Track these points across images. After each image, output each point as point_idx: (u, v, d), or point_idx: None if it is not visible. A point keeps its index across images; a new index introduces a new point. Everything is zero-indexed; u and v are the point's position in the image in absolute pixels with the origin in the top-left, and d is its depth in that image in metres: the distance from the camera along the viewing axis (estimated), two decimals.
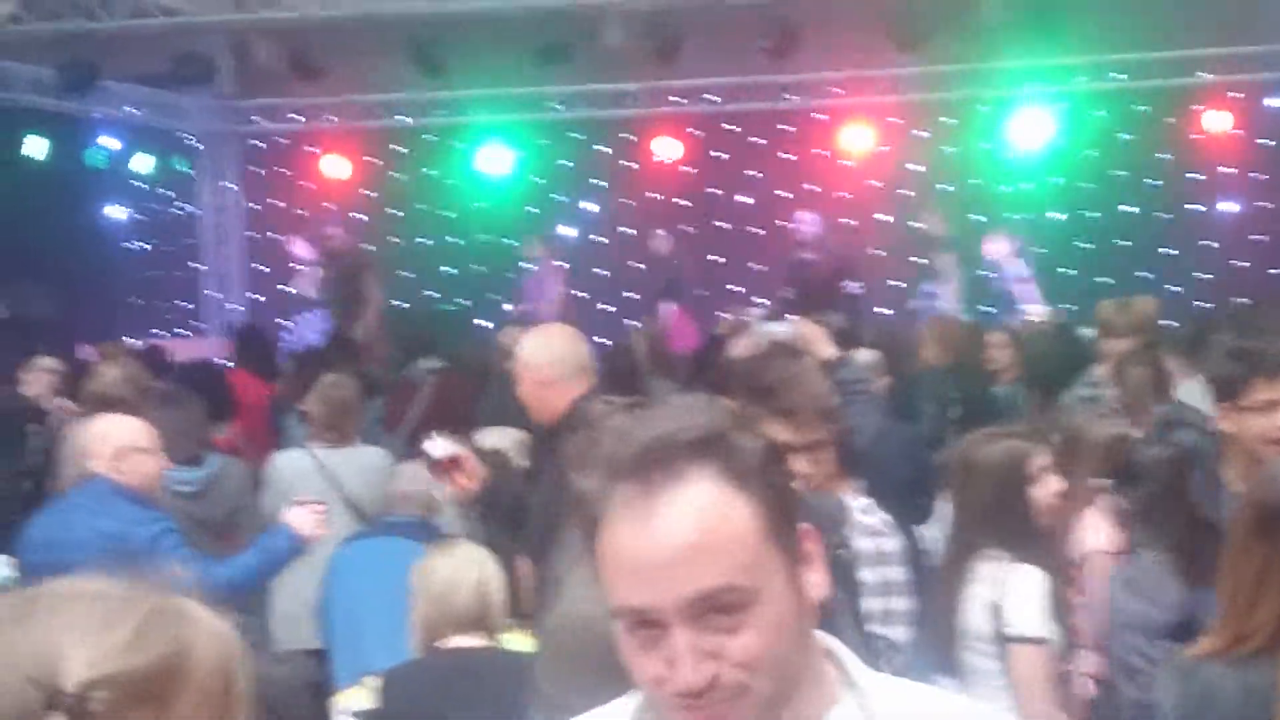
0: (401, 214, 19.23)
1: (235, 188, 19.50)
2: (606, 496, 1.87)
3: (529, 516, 5.87)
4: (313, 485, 8.25)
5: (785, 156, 18.60)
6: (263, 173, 19.72)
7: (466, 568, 5.04)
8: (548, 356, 5.93)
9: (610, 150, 18.99)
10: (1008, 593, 4.45)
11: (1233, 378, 4.86)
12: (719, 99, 18.10)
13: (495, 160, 18.70)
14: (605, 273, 18.60)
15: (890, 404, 8.25)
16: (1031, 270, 15.72)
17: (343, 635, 7.06)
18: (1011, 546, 4.56)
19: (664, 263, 17.22)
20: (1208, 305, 16.28)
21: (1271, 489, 3.56)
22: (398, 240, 19.16)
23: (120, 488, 6.16)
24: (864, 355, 8.34)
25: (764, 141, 18.62)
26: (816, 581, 1.94)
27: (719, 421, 1.91)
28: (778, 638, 1.85)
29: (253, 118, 19.13)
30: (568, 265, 17.69)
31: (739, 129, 18.57)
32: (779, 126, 18.45)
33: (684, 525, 1.83)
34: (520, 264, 17.75)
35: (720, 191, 18.85)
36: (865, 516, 4.96)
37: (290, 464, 8.46)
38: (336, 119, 18.73)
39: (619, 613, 1.87)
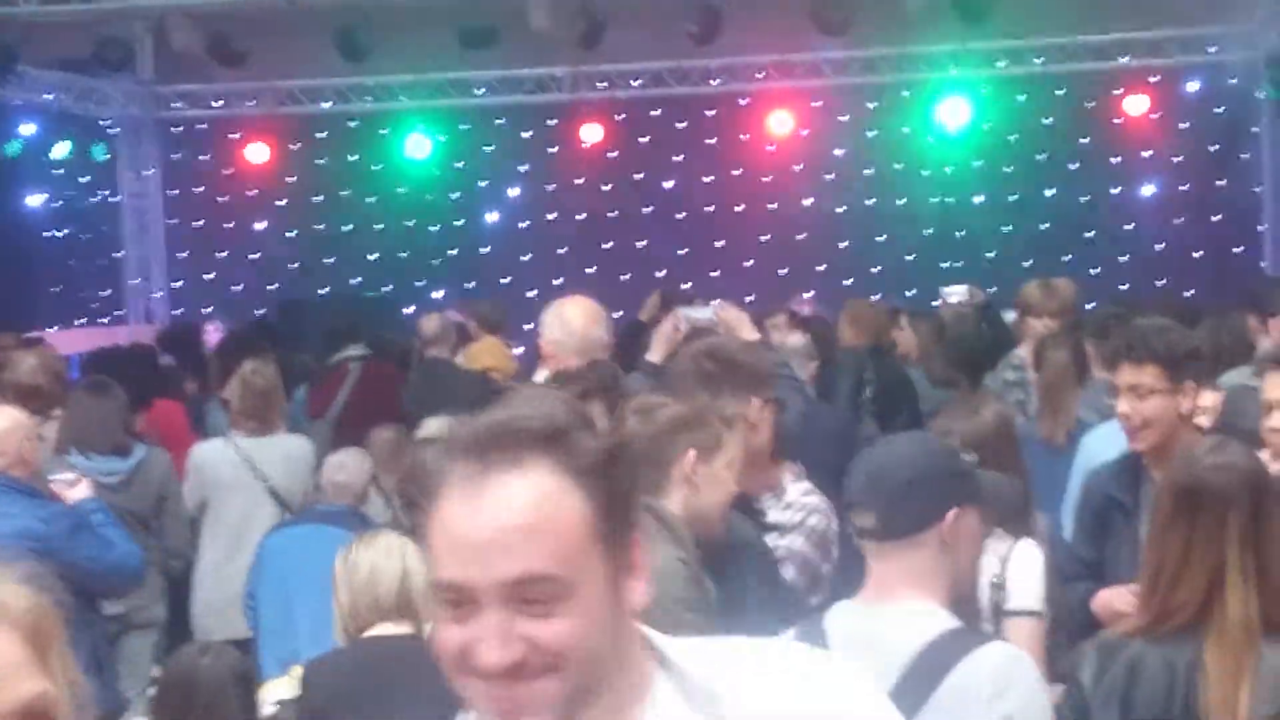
0: (324, 200, 19.10)
1: (155, 174, 19.28)
2: (443, 472, 1.90)
3: None
4: (235, 475, 8.22)
5: (710, 141, 18.61)
6: (184, 159, 19.52)
7: (389, 557, 5.01)
8: (551, 330, 5.90)
9: (535, 135, 18.94)
10: (1009, 569, 4.45)
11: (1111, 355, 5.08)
12: (643, 83, 18.08)
13: (419, 146, 18.61)
14: (529, 257, 18.56)
15: (820, 388, 8.28)
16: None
17: (271, 625, 7.03)
18: (1010, 521, 4.53)
19: None
20: (1127, 288, 16.47)
21: (1190, 472, 3.61)
22: (321, 227, 19.06)
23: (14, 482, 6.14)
24: (793, 340, 8.35)
25: (689, 125, 18.62)
26: (637, 589, 1.94)
27: (565, 416, 1.93)
28: (588, 633, 1.86)
29: (173, 104, 18.93)
30: None
31: (663, 113, 18.56)
32: (703, 111, 18.46)
33: (510, 509, 1.86)
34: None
35: (644, 176, 18.84)
36: (806, 498, 4.98)
37: (212, 453, 8.41)
38: (258, 105, 18.56)
39: (436, 586, 1.90)
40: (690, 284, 16.57)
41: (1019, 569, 4.46)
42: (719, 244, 17.70)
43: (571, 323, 5.91)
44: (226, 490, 8.23)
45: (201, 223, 19.46)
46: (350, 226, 18.91)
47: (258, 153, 19.06)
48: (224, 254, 19.32)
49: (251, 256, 19.27)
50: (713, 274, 17.18)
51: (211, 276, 19.24)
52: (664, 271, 17.50)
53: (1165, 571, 3.55)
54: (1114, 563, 5.07)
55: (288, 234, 19.08)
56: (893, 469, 3.48)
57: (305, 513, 7.68)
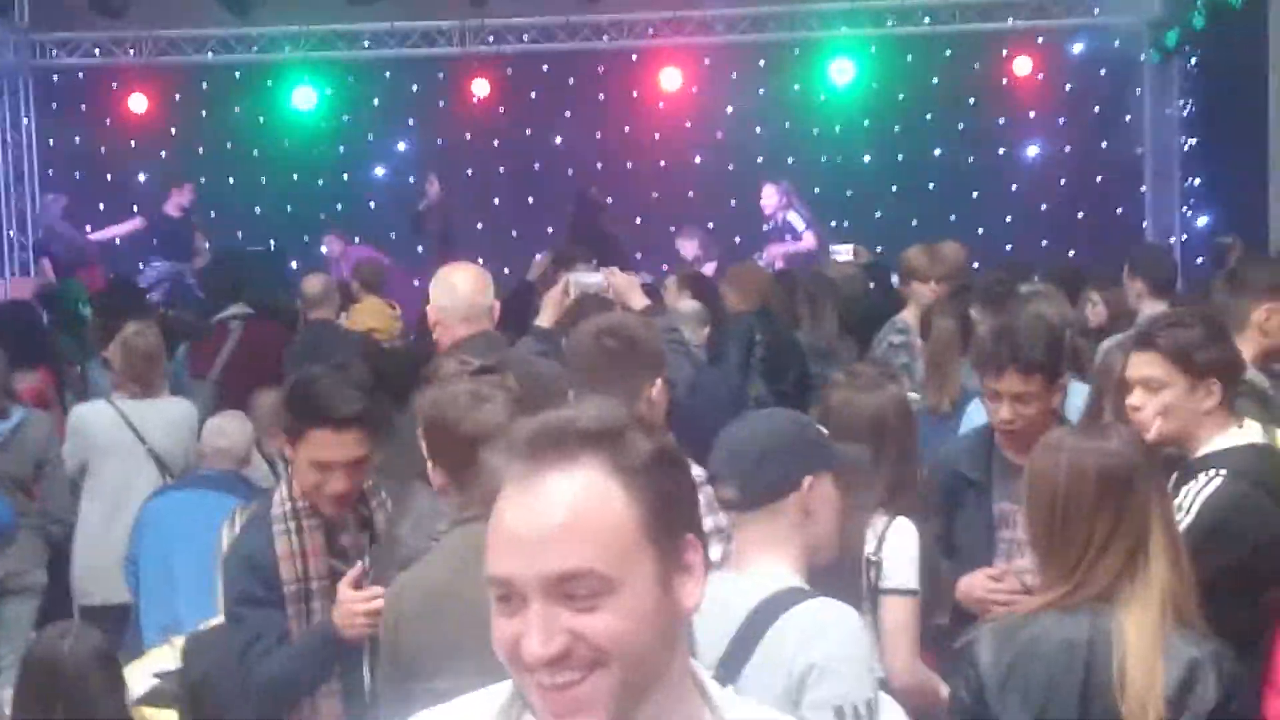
0: (207, 153, 18.81)
1: (31, 124, 18.89)
2: (500, 471, 1.96)
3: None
4: (115, 437, 8.09)
5: (600, 97, 18.54)
6: (61, 109, 19.16)
7: None
8: (437, 296, 5.85)
9: (423, 90, 18.77)
10: (885, 546, 4.46)
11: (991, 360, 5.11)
12: (533, 38, 17.98)
13: (305, 98, 18.40)
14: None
15: (711, 352, 8.26)
16: (808, 215, 15.90)
17: (151, 590, 6.95)
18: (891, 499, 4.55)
19: (434, 210, 16.97)
20: (1012, 248, 16.65)
21: (1113, 460, 3.64)
22: (205, 180, 18.78)
23: None
24: (685, 305, 8.31)
25: (579, 81, 18.54)
26: (691, 592, 1.99)
27: (617, 417, 1.99)
28: (635, 628, 1.90)
29: (51, 51, 18.55)
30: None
31: (553, 68, 18.47)
32: (594, 67, 18.39)
33: (558, 505, 1.91)
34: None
35: (533, 132, 18.74)
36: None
37: (93, 416, 8.26)
38: (138, 54, 18.23)
39: (489, 580, 1.94)
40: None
41: (894, 546, 4.47)
42: (608, 201, 17.62)
43: (458, 289, 5.85)
44: (106, 453, 8.10)
45: (80, 174, 19.12)
46: (234, 179, 18.63)
47: (138, 103, 18.75)
48: (103, 206, 18.98)
49: (133, 209, 18.93)
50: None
51: (91, 230, 18.90)
52: (553, 228, 17.42)
53: (1087, 556, 3.59)
54: (967, 539, 5.12)
55: (169, 186, 18.75)
56: (748, 442, 3.68)
57: (186, 477, 7.58)
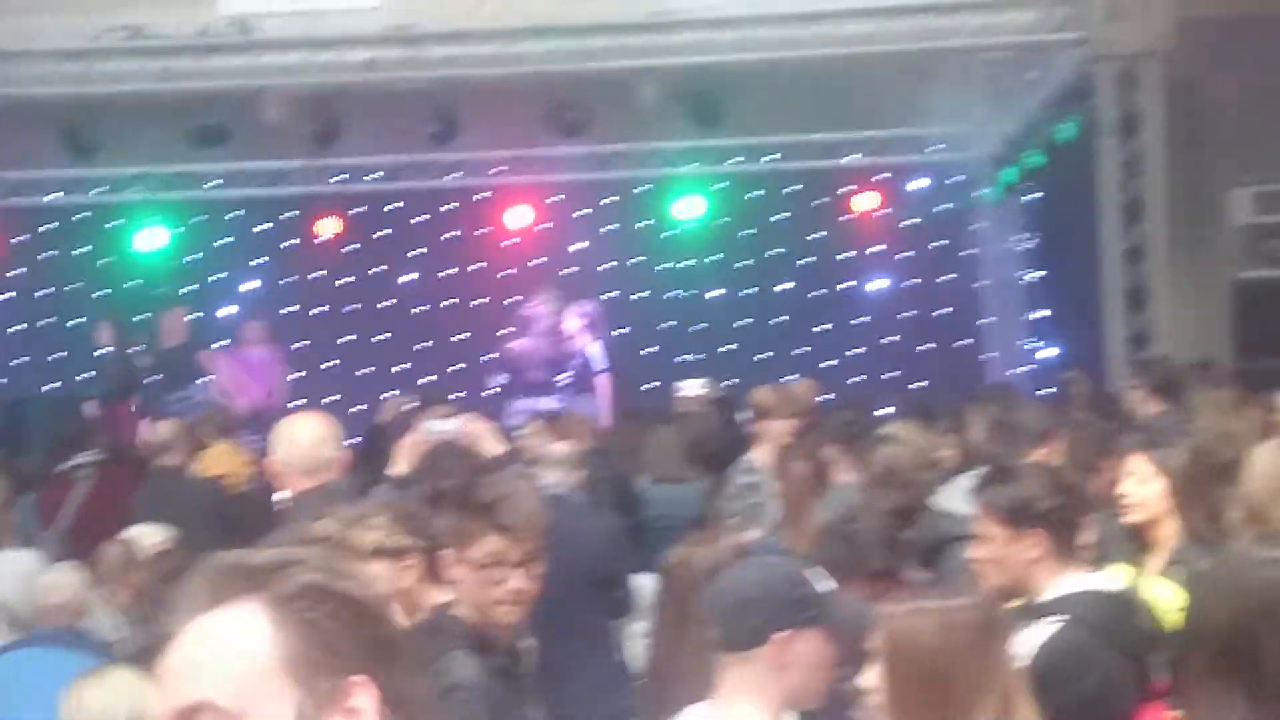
0: (52, 294, 18.53)
1: None
2: (176, 607, 1.95)
3: None
4: None
5: (449, 235, 18.58)
6: None
7: (118, 699, 4.84)
8: (279, 447, 5.79)
9: (271, 229, 18.68)
10: None
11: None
12: (381, 176, 18.00)
13: (151, 239, 18.23)
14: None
15: (590, 498, 8.20)
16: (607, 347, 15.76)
17: None
18: None
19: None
20: (861, 380, 16.87)
21: (960, 615, 3.66)
22: (51, 320, 18.49)
23: None
24: (558, 448, 8.24)
25: (427, 220, 18.57)
26: None
27: (292, 556, 1.96)
28: None
29: None
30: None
31: (401, 207, 18.49)
32: (442, 206, 18.44)
33: (190, 641, 1.90)
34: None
35: (383, 270, 18.71)
36: None
37: None
38: None
39: None
40: (433, 377, 16.55)
41: None
42: (461, 337, 17.63)
43: (299, 442, 5.81)
44: None
45: None
46: (80, 321, 18.35)
47: None
48: None
49: None
50: (454, 368, 17.09)
51: None
52: (405, 366, 17.36)
53: (956, 707, 3.55)
54: None
55: (10, 329, 18.43)
56: (731, 589, 3.90)
57: (27, 636, 7.39)
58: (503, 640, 4.48)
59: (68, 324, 18.40)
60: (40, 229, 18.52)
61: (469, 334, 18.04)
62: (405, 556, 4.13)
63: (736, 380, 13.91)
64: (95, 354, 16.41)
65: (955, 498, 6.43)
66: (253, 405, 14.97)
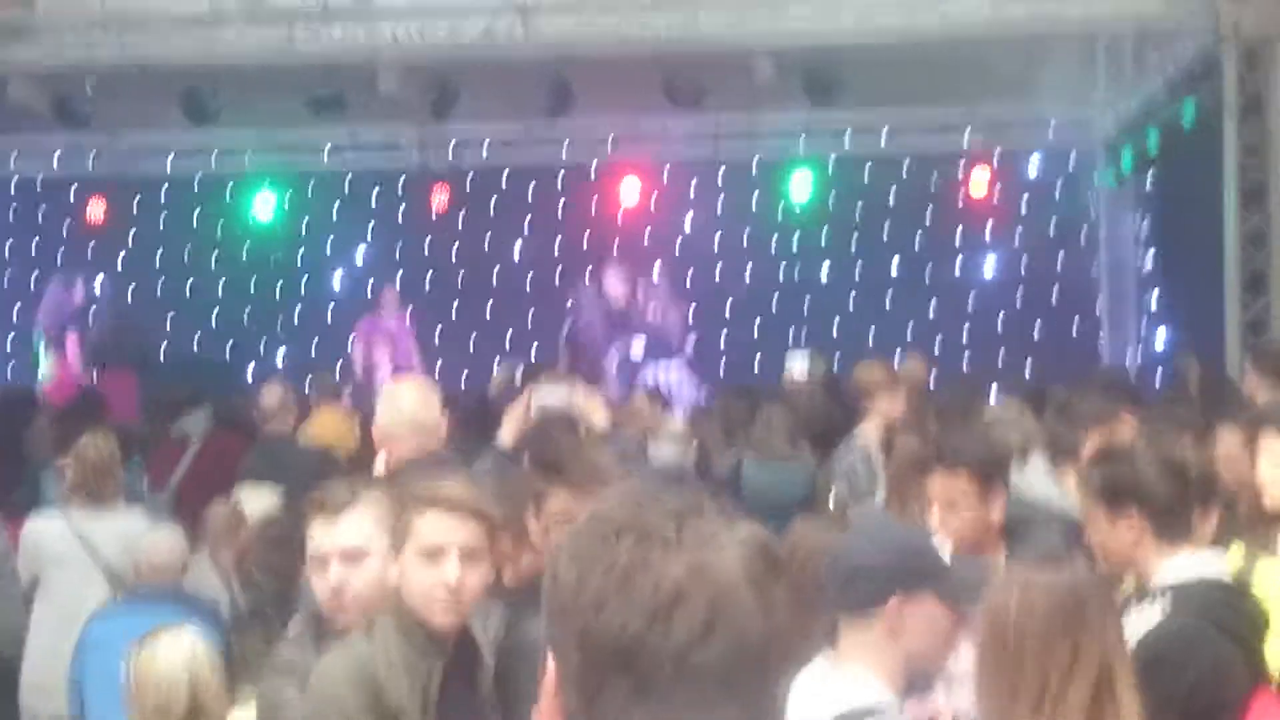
0: (165, 259, 18.76)
1: None
2: None
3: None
4: (67, 551, 8.00)
5: (561, 207, 18.58)
6: (19, 214, 19.09)
7: (172, 662, 4.90)
8: (383, 414, 5.82)
9: (384, 198, 18.80)
10: None
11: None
12: (492, 149, 18.08)
13: (265, 206, 18.41)
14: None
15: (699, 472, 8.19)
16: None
17: (95, 712, 6.84)
18: None
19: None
20: (968, 362, 16.72)
21: (1063, 593, 3.64)
22: (164, 287, 18.73)
23: None
24: (670, 422, 8.15)
25: (540, 191, 18.59)
26: None
27: None
28: None
29: (11, 158, 18.54)
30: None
31: (514, 178, 18.52)
32: (554, 178, 18.44)
33: None
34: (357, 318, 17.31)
35: (495, 240, 18.75)
36: None
37: (45, 529, 8.17)
38: (99, 162, 18.23)
39: None
40: (536, 347, 16.61)
41: None
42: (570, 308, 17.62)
43: (404, 407, 5.83)
44: (58, 567, 8.02)
45: (37, 278, 19.03)
46: (191, 287, 18.57)
47: (96, 209, 18.70)
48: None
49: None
50: (560, 343, 17.10)
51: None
52: (511, 340, 17.41)
53: (1050, 690, 3.52)
54: None
55: (127, 292, 18.66)
56: (846, 552, 3.94)
57: (126, 596, 7.50)
58: None
59: (181, 290, 18.63)
60: (158, 193, 18.72)
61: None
62: (493, 517, 4.11)
63: (845, 358, 13.82)
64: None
65: (1033, 478, 6.40)
66: (391, 370, 15.14)
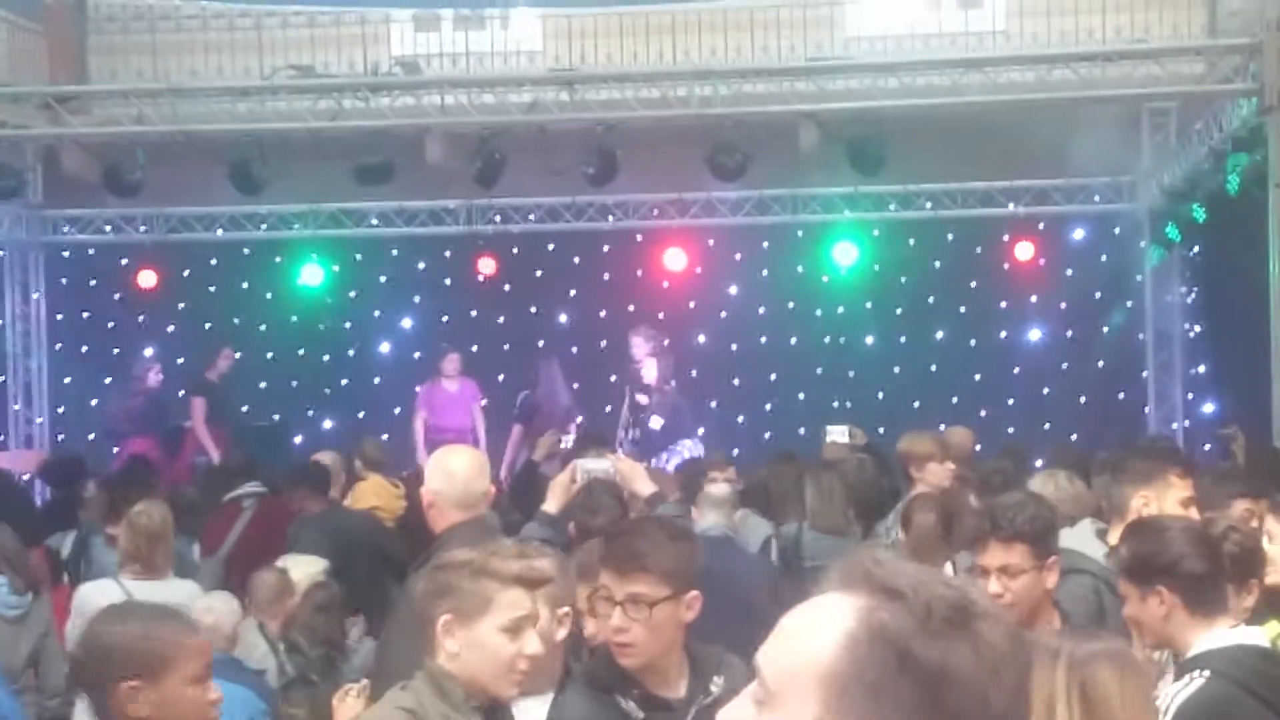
0: (214, 327, 18.88)
1: (41, 298, 19.03)
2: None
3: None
4: None
5: (606, 276, 18.65)
6: (71, 284, 19.28)
7: None
8: (433, 479, 5.84)
9: (430, 266, 18.94)
10: None
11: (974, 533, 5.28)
12: (538, 218, 18.22)
13: (313, 274, 18.56)
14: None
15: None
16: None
17: None
18: None
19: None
20: (1014, 431, 16.66)
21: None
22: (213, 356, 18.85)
23: None
24: (718, 490, 8.15)
25: (585, 260, 18.67)
26: None
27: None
28: None
29: (62, 228, 18.78)
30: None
31: (559, 247, 18.62)
32: (598, 246, 18.54)
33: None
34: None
35: (538, 310, 18.84)
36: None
37: (99, 596, 8.19)
38: (149, 231, 18.44)
39: None
40: (581, 419, 16.64)
41: None
42: (612, 379, 17.68)
43: (454, 473, 5.84)
44: None
45: (87, 348, 19.21)
46: (240, 354, 18.69)
47: (147, 279, 18.88)
48: (110, 380, 19.01)
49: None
50: (606, 410, 17.14)
51: (96, 403, 18.93)
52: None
53: None
54: None
55: (176, 360, 18.81)
56: None
57: None
58: (619, 682, 4.39)
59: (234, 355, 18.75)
60: (207, 262, 18.88)
61: (620, 376, 18.10)
62: (543, 586, 4.13)
63: (890, 426, 13.79)
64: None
65: (1081, 539, 6.38)
66: (455, 436, 15.19)
